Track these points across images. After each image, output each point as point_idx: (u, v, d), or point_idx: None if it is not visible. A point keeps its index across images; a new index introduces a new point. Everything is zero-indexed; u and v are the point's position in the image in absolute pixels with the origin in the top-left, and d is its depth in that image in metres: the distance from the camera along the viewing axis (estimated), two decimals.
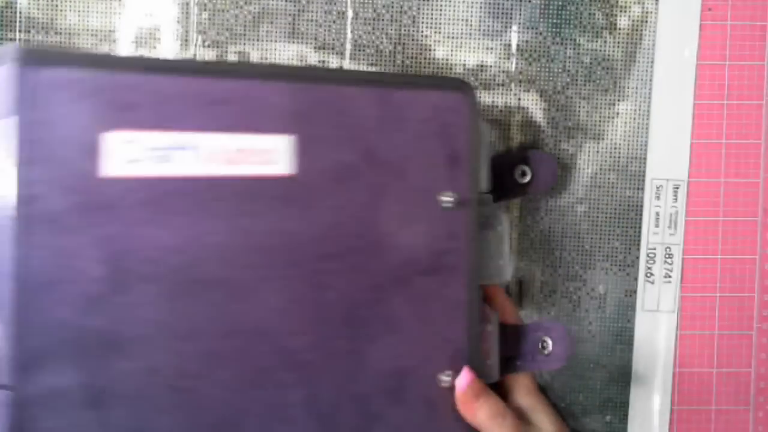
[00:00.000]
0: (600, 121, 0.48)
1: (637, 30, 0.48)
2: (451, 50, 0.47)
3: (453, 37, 0.47)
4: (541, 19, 0.47)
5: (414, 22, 0.47)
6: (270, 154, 0.34)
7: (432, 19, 0.47)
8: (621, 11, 0.47)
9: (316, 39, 0.47)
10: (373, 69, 0.47)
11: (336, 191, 0.36)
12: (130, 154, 0.32)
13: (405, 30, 0.47)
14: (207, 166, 0.33)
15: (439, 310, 0.38)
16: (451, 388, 0.38)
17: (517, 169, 0.45)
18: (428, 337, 0.38)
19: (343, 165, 0.36)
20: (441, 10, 0.47)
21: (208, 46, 0.47)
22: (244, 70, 0.35)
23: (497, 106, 0.47)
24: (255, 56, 0.47)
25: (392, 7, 0.47)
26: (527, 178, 0.45)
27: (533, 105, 0.47)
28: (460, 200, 0.38)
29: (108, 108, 0.31)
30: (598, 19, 0.47)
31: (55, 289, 0.31)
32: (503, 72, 0.47)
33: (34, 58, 0.30)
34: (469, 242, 0.38)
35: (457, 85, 0.38)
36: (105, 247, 0.31)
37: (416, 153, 0.38)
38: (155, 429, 0.33)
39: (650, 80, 0.48)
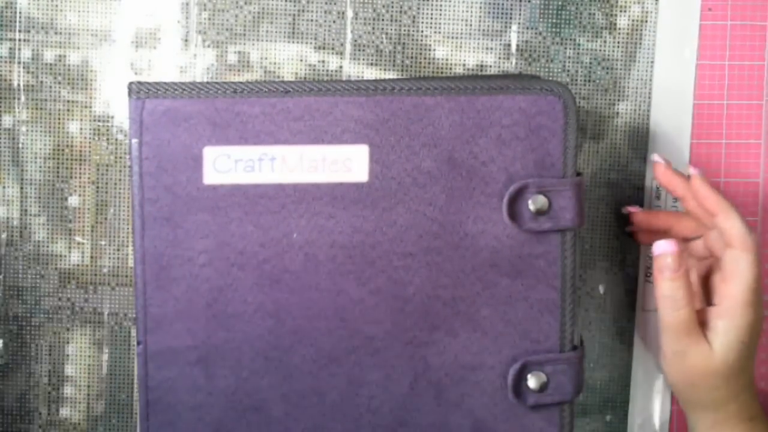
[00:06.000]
0: (600, 121, 0.48)
1: (637, 30, 0.48)
2: (451, 50, 0.47)
3: (453, 37, 0.47)
4: (541, 19, 0.47)
5: (414, 22, 0.47)
6: (347, 163, 0.38)
7: (432, 19, 0.47)
8: (621, 11, 0.47)
9: (316, 39, 0.47)
10: (374, 69, 0.47)
11: (412, 195, 0.38)
12: (225, 165, 0.37)
13: (405, 30, 0.47)
14: (290, 173, 0.38)
15: (528, 311, 0.39)
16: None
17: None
18: (515, 336, 0.39)
19: (420, 170, 0.38)
20: (441, 10, 0.47)
21: (208, 46, 0.47)
22: (322, 88, 0.38)
23: None
24: (255, 56, 0.47)
25: (392, 7, 0.47)
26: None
27: None
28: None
29: (203, 128, 0.37)
30: (598, 19, 0.47)
31: (169, 271, 0.38)
32: (503, 72, 0.47)
33: (141, 91, 0.37)
34: (564, 246, 0.39)
35: (552, 89, 0.38)
36: (207, 240, 0.38)
37: (503, 157, 0.38)
38: (252, 389, 0.39)
39: (650, 80, 0.48)
